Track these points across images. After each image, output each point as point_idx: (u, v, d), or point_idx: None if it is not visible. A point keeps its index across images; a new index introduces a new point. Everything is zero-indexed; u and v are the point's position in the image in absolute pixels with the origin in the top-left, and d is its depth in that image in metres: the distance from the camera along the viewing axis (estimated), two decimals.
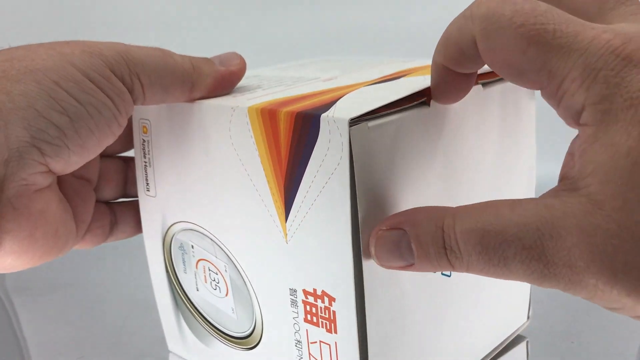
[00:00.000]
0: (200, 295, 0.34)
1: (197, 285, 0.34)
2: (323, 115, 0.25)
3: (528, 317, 0.39)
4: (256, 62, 0.41)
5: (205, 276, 0.33)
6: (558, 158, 0.25)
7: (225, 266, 0.32)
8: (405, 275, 0.28)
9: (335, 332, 0.27)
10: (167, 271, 0.36)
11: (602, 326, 0.40)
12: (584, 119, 0.21)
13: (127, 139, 0.35)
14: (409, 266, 0.24)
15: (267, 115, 0.27)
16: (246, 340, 0.33)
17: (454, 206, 0.24)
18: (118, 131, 0.29)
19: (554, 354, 0.38)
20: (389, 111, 0.26)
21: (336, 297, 0.27)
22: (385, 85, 0.29)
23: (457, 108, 0.29)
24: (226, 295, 0.33)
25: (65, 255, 0.31)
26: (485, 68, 0.29)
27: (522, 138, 0.34)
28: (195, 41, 0.72)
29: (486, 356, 0.36)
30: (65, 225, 0.30)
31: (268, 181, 0.27)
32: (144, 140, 0.34)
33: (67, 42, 0.28)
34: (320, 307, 0.28)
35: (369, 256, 0.26)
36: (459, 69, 0.25)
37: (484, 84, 0.30)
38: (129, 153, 0.36)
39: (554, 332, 0.40)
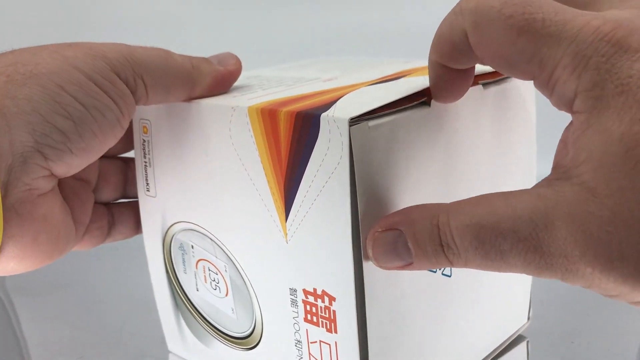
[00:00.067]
0: (200, 295, 0.34)
1: (197, 285, 0.34)
2: (323, 115, 0.25)
3: (528, 318, 0.39)
4: (256, 63, 0.41)
5: (205, 276, 0.33)
6: None
7: (225, 266, 0.32)
8: (405, 275, 0.28)
9: (336, 331, 0.27)
10: (167, 271, 0.36)
11: (602, 326, 0.40)
12: (577, 107, 0.21)
13: (127, 140, 0.35)
14: (407, 265, 0.24)
15: (267, 115, 0.27)
16: (246, 340, 0.33)
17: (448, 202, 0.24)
18: (120, 133, 0.29)
19: (554, 354, 0.38)
20: (389, 111, 0.26)
21: (336, 297, 0.27)
22: (385, 85, 0.29)
23: (457, 108, 0.29)
24: (226, 295, 0.33)
25: (65, 255, 0.31)
26: (486, 69, 0.29)
27: (522, 138, 0.34)
28: (194, 42, 0.72)
29: (486, 357, 0.36)
30: (66, 228, 0.30)
31: (268, 181, 0.27)
32: (144, 141, 0.34)
33: (70, 45, 0.28)
34: (321, 307, 0.28)
35: (367, 258, 0.26)
36: (454, 65, 0.25)
37: (484, 85, 0.30)
38: (129, 154, 0.36)
39: (554, 332, 0.40)
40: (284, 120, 0.26)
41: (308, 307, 0.28)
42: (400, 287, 0.28)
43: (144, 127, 0.34)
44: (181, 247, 0.34)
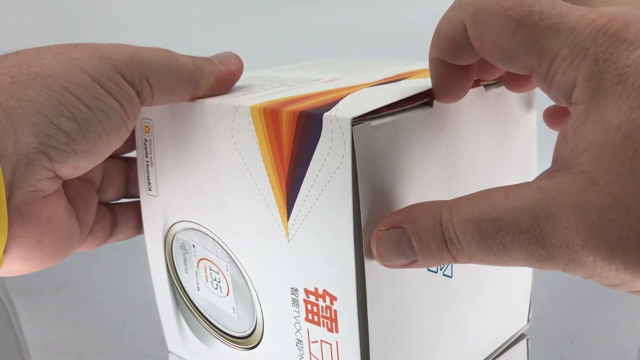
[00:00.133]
0: (201, 294, 0.34)
1: (198, 284, 0.34)
2: (325, 115, 0.25)
3: (528, 320, 0.39)
4: (257, 64, 0.41)
5: (206, 275, 0.33)
6: None
7: (226, 265, 0.32)
8: (406, 275, 0.28)
9: (337, 331, 0.27)
10: (168, 271, 0.36)
11: (602, 326, 0.40)
12: (575, 97, 0.21)
13: (130, 140, 0.35)
14: (411, 263, 0.25)
15: (270, 115, 0.27)
16: (247, 340, 0.33)
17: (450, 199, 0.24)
18: (126, 135, 0.29)
19: (554, 354, 0.38)
20: (391, 111, 0.26)
21: (338, 296, 0.27)
22: (387, 86, 0.30)
23: (459, 109, 0.29)
24: (227, 294, 0.33)
25: None
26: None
27: (523, 139, 0.34)
28: (194, 42, 0.72)
29: (486, 358, 0.36)
30: (71, 230, 0.30)
31: (270, 180, 0.27)
32: (146, 140, 0.34)
33: (75, 46, 0.28)
34: (322, 306, 0.28)
35: (371, 257, 0.26)
36: (454, 61, 0.25)
37: (485, 86, 0.30)
38: (130, 153, 0.37)
39: (554, 332, 0.40)
40: (287, 119, 0.26)
41: (309, 307, 0.28)
42: (401, 286, 0.28)
43: (146, 126, 0.34)
44: (182, 246, 0.34)
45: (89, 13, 0.73)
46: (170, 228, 0.34)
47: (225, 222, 0.31)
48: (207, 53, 0.33)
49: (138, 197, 0.36)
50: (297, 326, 0.29)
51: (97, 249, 0.35)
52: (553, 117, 0.29)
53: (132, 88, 0.28)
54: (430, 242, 0.24)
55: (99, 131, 0.27)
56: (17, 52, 0.28)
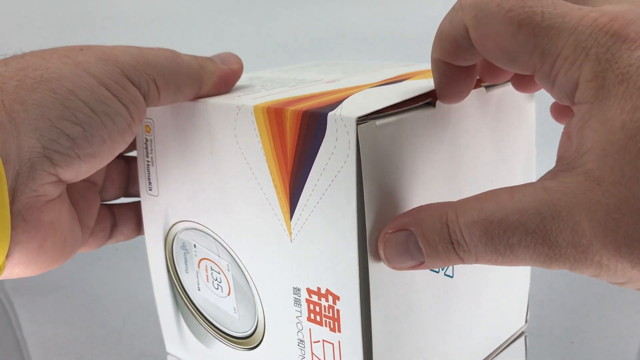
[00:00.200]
0: (202, 295, 0.34)
1: (198, 284, 0.34)
2: (330, 114, 0.25)
3: (526, 321, 0.39)
4: (256, 65, 0.41)
5: (207, 275, 0.33)
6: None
7: (228, 265, 0.32)
8: (409, 275, 0.28)
9: (339, 331, 0.27)
10: (168, 271, 0.36)
11: (602, 326, 0.40)
12: (579, 97, 0.21)
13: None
14: (419, 265, 0.25)
15: (274, 114, 0.27)
16: (248, 340, 0.33)
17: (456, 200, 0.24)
18: (130, 139, 0.29)
19: (553, 354, 0.38)
20: (394, 111, 0.26)
21: (340, 296, 0.27)
22: (389, 87, 0.30)
23: (461, 109, 0.29)
24: (228, 294, 0.33)
25: None
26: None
27: (522, 139, 0.34)
28: (193, 43, 0.72)
29: (486, 357, 0.36)
30: (73, 233, 0.30)
31: (273, 179, 0.27)
32: (146, 140, 0.34)
33: (81, 49, 0.28)
34: (324, 306, 0.28)
35: (379, 259, 0.26)
36: (456, 62, 0.25)
37: (486, 87, 0.30)
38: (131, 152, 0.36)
39: (553, 333, 0.40)
40: (290, 119, 0.26)
41: (311, 306, 0.28)
42: (404, 286, 0.28)
43: (147, 126, 0.34)
44: (183, 246, 0.34)
45: (90, 12, 0.73)
46: (170, 228, 0.34)
47: (227, 221, 0.31)
48: (207, 53, 0.33)
49: (137, 196, 0.36)
50: (299, 326, 0.29)
51: (97, 249, 0.35)
52: (560, 111, 0.29)
53: (139, 90, 0.28)
54: (437, 244, 0.24)
55: (103, 135, 0.27)
56: (23, 55, 0.28)
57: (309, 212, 0.27)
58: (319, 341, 0.29)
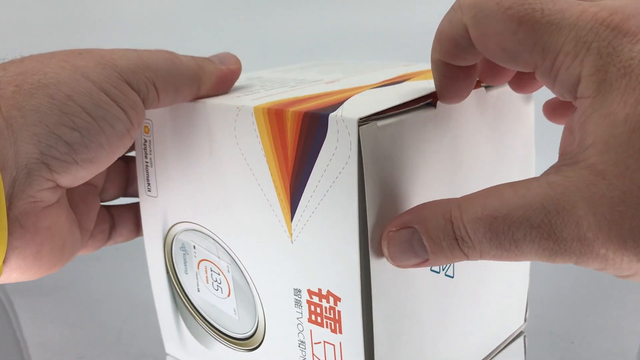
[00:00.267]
0: (201, 296, 0.34)
1: (198, 286, 0.34)
2: (331, 115, 0.25)
3: (525, 320, 0.39)
4: (254, 65, 0.41)
5: (207, 277, 0.33)
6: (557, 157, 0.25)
7: (227, 266, 0.32)
8: (410, 275, 0.28)
9: (340, 332, 0.27)
10: (167, 272, 0.36)
11: (602, 326, 0.40)
12: (581, 92, 0.21)
13: None
14: (423, 262, 0.25)
15: (274, 115, 0.27)
16: (248, 342, 0.33)
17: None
18: (129, 144, 0.29)
19: (553, 354, 0.38)
20: (395, 112, 0.26)
21: (342, 297, 0.27)
22: (390, 88, 0.30)
23: (461, 109, 0.29)
24: (228, 296, 0.33)
25: None
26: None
27: (521, 138, 0.34)
28: (192, 43, 0.72)
29: (485, 357, 0.36)
30: (72, 237, 0.30)
31: (274, 180, 0.27)
32: (145, 141, 0.34)
33: (80, 53, 0.28)
34: (325, 307, 0.28)
35: (381, 259, 0.26)
36: (456, 62, 0.25)
37: (486, 87, 0.30)
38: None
39: (553, 333, 0.40)
40: (291, 120, 0.26)
41: (312, 308, 0.28)
42: (405, 287, 0.28)
43: (146, 126, 0.34)
44: (183, 247, 0.34)
45: (89, 12, 0.73)
46: (170, 229, 0.34)
47: (227, 222, 0.31)
48: (205, 53, 0.33)
49: (136, 196, 0.36)
50: (300, 327, 0.29)
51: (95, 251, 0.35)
52: (553, 110, 0.29)
53: (138, 95, 0.28)
54: (441, 240, 0.24)
55: (101, 140, 0.27)
56: (21, 59, 0.27)
57: (310, 213, 0.27)
58: (320, 342, 0.29)
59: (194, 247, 0.33)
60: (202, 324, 0.35)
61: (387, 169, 0.26)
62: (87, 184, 0.33)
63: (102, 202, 0.36)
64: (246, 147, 0.28)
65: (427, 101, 0.27)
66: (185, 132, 0.31)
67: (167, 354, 0.39)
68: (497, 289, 0.35)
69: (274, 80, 0.35)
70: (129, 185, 0.37)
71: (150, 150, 0.34)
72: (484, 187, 0.23)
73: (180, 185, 0.33)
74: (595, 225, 0.20)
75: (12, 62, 0.27)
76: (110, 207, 0.36)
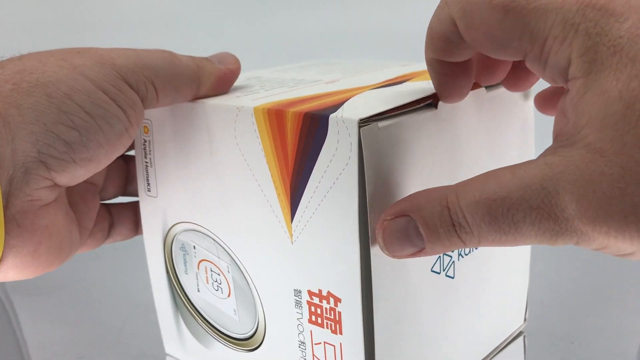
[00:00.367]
0: (201, 296, 0.34)
1: (198, 286, 0.34)
2: (332, 116, 0.25)
3: (525, 320, 0.39)
4: (254, 64, 0.41)
5: (207, 277, 0.33)
6: None
7: (227, 267, 0.32)
8: (411, 276, 0.28)
9: (341, 333, 0.27)
10: (167, 272, 0.36)
11: (602, 326, 0.41)
12: (572, 73, 0.21)
13: None
14: (419, 252, 0.24)
15: (274, 116, 0.27)
16: (248, 342, 0.33)
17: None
18: (128, 143, 0.29)
19: (553, 354, 0.38)
20: (395, 113, 0.26)
21: (342, 298, 0.27)
22: (391, 89, 0.30)
23: (462, 109, 0.29)
24: (228, 296, 0.33)
25: None
26: None
27: (522, 137, 0.34)
28: (192, 43, 0.72)
29: (485, 357, 0.36)
30: (70, 236, 0.29)
31: (274, 181, 0.27)
32: (144, 141, 0.34)
33: (78, 52, 0.28)
34: (326, 308, 0.28)
35: (382, 257, 0.26)
36: (449, 58, 0.25)
37: (486, 87, 0.30)
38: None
39: (553, 333, 0.40)
40: (292, 120, 0.26)
41: (313, 308, 0.28)
42: (406, 287, 0.28)
43: (145, 127, 0.34)
44: (183, 247, 0.34)
45: (89, 12, 0.73)
46: (170, 229, 0.34)
47: (227, 223, 0.31)
48: (205, 53, 0.33)
49: (136, 195, 0.36)
50: (300, 328, 0.29)
51: (97, 248, 0.35)
52: (545, 101, 0.29)
53: (137, 94, 0.28)
54: (438, 227, 0.23)
55: (100, 139, 0.27)
56: (20, 58, 0.27)
57: (311, 213, 0.27)
58: (320, 343, 0.29)
59: (194, 247, 0.33)
60: (202, 324, 0.35)
61: (387, 169, 0.26)
62: (87, 182, 0.33)
63: (101, 200, 0.35)
64: (246, 147, 0.28)
65: (428, 102, 0.27)
66: (185, 132, 0.31)
67: (167, 354, 0.39)
68: (497, 289, 0.35)
69: (273, 80, 0.35)
70: (128, 184, 0.37)
71: (149, 151, 0.34)
72: None
73: (180, 185, 0.33)
74: (595, 203, 0.20)
75: (10, 60, 0.27)
76: (110, 206, 0.36)
